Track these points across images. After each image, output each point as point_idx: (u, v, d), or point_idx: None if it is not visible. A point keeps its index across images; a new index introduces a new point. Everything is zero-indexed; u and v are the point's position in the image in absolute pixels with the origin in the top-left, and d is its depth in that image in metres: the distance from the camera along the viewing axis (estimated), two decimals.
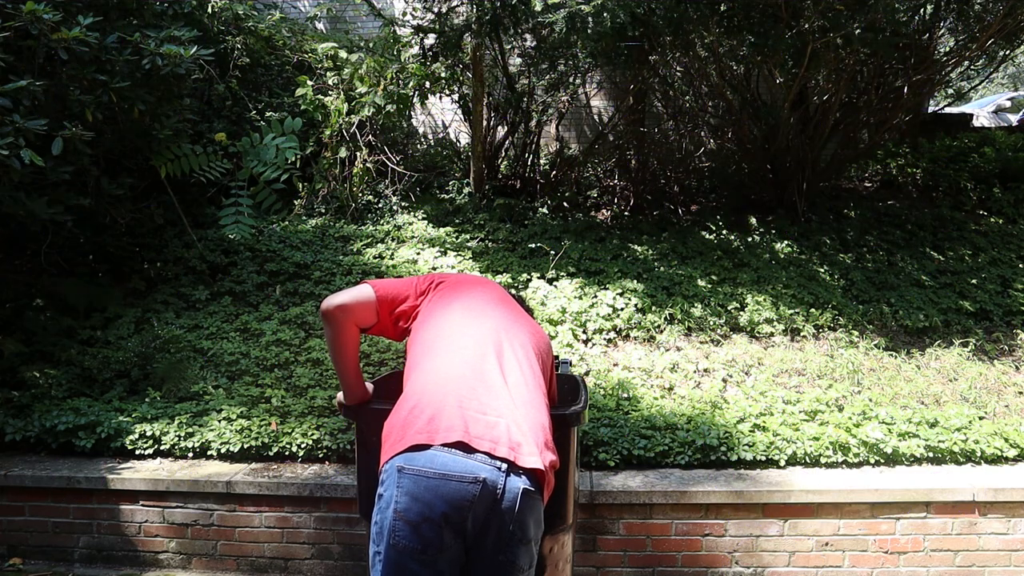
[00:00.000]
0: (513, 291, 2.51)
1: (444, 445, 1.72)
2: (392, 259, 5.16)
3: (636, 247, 5.36)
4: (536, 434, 1.82)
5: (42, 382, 3.93)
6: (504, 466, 1.73)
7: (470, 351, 1.92)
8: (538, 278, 4.90)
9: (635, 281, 4.83)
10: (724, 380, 4.12)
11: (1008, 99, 13.83)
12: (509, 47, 6.02)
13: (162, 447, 3.59)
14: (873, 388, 4.03)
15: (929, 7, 5.43)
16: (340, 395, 2.26)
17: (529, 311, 2.41)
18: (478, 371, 1.87)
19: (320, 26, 7.39)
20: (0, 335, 4.20)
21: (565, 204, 5.97)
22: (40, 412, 3.71)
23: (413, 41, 5.78)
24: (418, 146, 6.84)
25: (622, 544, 3.25)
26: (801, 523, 3.22)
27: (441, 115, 7.00)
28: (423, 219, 5.73)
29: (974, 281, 5.09)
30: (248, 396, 3.88)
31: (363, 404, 2.24)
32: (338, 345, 2.07)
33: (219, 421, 3.64)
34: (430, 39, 5.51)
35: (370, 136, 6.02)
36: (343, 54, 5.90)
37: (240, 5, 6.35)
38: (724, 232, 5.66)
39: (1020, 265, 5.31)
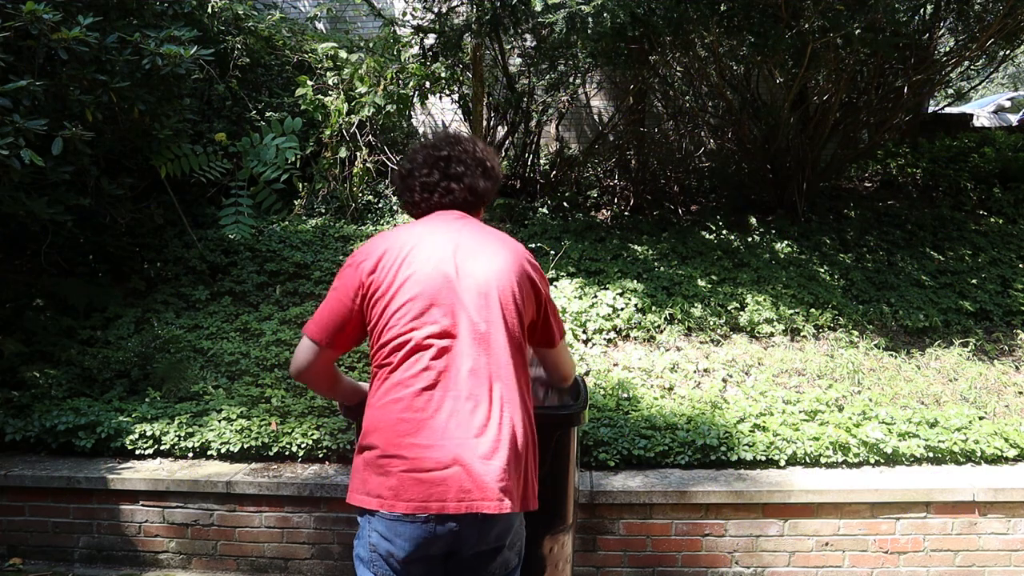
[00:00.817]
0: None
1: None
2: None
3: (636, 247, 5.36)
4: (493, 463, 1.64)
5: (42, 382, 3.93)
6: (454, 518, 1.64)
7: (410, 377, 1.70)
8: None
9: (635, 281, 4.83)
10: (724, 380, 4.12)
11: (1008, 99, 13.84)
12: (509, 47, 6.02)
13: (162, 447, 3.59)
14: (873, 388, 4.03)
15: (929, 7, 5.43)
16: None
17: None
18: (418, 406, 1.67)
19: (320, 26, 7.39)
20: (0, 335, 4.20)
21: (565, 204, 5.97)
22: (40, 412, 3.71)
23: (413, 41, 5.78)
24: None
25: (622, 544, 3.25)
26: (801, 523, 3.21)
27: (441, 115, 7.00)
28: None
29: (974, 281, 5.09)
30: (248, 396, 3.88)
31: (363, 404, 2.23)
32: (322, 393, 2.03)
33: (219, 421, 3.64)
34: (430, 39, 5.51)
35: (370, 136, 6.02)
36: (343, 54, 5.90)
37: (240, 5, 6.35)
38: (724, 232, 5.66)
39: (1020, 265, 5.31)
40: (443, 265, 1.75)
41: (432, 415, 1.67)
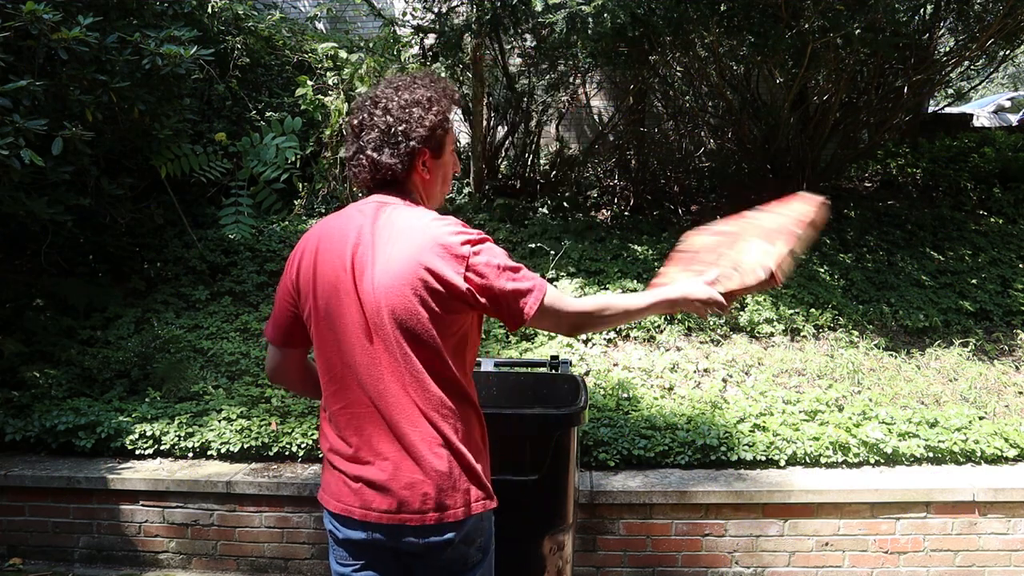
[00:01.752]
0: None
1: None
2: None
3: (636, 247, 5.36)
4: (407, 475, 1.56)
5: (42, 382, 3.93)
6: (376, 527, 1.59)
7: (338, 386, 1.63)
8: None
9: (635, 281, 4.83)
10: (724, 380, 4.12)
11: (1008, 99, 13.85)
12: (509, 47, 6.02)
13: (162, 447, 3.59)
14: (873, 388, 4.03)
15: (929, 7, 5.43)
16: None
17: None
18: (348, 408, 1.61)
19: (320, 26, 7.39)
20: (0, 335, 4.20)
21: (565, 204, 5.97)
22: (40, 412, 3.71)
23: (413, 41, 5.78)
24: None
25: (622, 544, 3.25)
26: (801, 523, 3.21)
27: None
28: None
29: (974, 281, 5.09)
30: (248, 396, 3.88)
31: None
32: (300, 394, 1.97)
33: (219, 421, 3.64)
34: (430, 39, 5.51)
35: None
36: (343, 54, 5.90)
37: (240, 5, 6.35)
38: None
39: (1020, 265, 5.31)
40: (339, 278, 1.58)
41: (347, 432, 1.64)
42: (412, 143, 1.61)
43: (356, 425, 1.60)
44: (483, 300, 1.55)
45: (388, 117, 1.60)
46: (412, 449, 1.56)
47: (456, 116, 6.66)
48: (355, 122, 1.66)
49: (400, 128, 1.60)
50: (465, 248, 1.54)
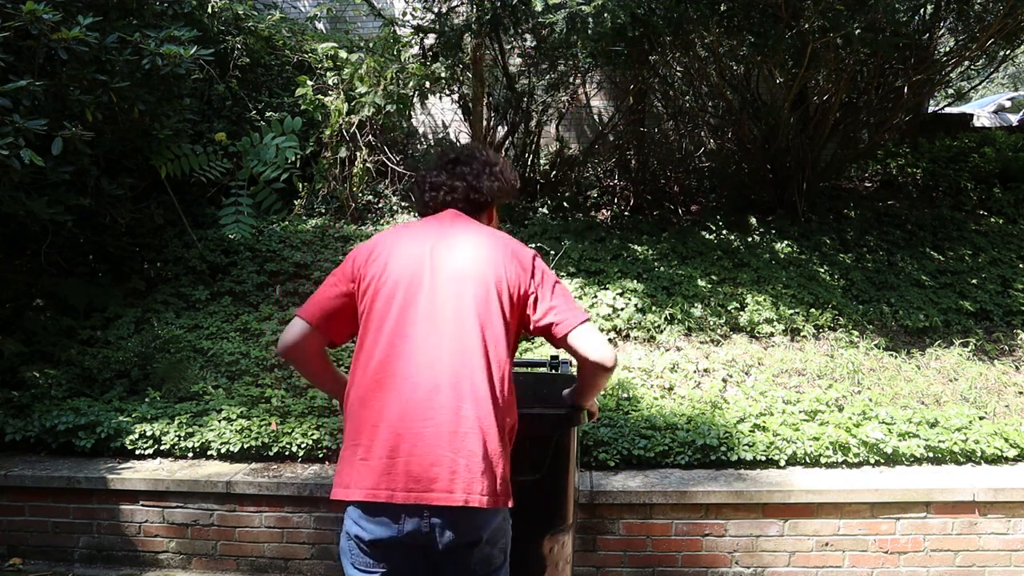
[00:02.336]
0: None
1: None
2: None
3: (636, 247, 5.36)
4: (460, 459, 1.67)
5: (42, 382, 3.93)
6: (420, 512, 1.67)
7: (391, 371, 1.74)
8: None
9: (635, 281, 4.83)
10: (724, 380, 4.12)
11: (1008, 99, 13.83)
12: (509, 47, 6.02)
13: (162, 447, 3.59)
14: (873, 388, 4.03)
15: (929, 7, 5.43)
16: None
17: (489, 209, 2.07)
18: (397, 394, 1.72)
19: (320, 26, 7.39)
20: (0, 335, 4.20)
21: (565, 204, 5.97)
22: (40, 412, 3.71)
23: (413, 41, 5.78)
24: (418, 146, 6.84)
25: (622, 544, 3.25)
26: (801, 523, 3.21)
27: (441, 115, 7.00)
28: None
29: (974, 281, 5.09)
30: (248, 396, 3.88)
31: None
32: (307, 377, 2.03)
33: (219, 421, 3.64)
34: (430, 39, 5.50)
35: (370, 136, 6.02)
36: (343, 54, 5.90)
37: (240, 5, 6.35)
38: (724, 232, 5.66)
39: (1020, 265, 5.31)
40: (418, 260, 1.81)
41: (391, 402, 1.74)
42: (507, 179, 2.04)
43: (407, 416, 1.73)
44: (536, 304, 1.84)
45: (486, 159, 2.03)
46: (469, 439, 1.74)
47: (456, 116, 6.67)
48: (450, 157, 2.04)
49: (499, 168, 2.03)
50: (536, 260, 1.90)
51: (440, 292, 1.77)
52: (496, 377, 1.75)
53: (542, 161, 6.42)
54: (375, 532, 1.69)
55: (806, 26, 4.62)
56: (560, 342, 1.84)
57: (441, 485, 1.66)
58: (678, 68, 5.89)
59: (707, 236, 5.60)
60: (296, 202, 5.84)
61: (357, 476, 1.70)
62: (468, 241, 1.86)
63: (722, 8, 4.75)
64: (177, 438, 3.58)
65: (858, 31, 4.50)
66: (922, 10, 5.41)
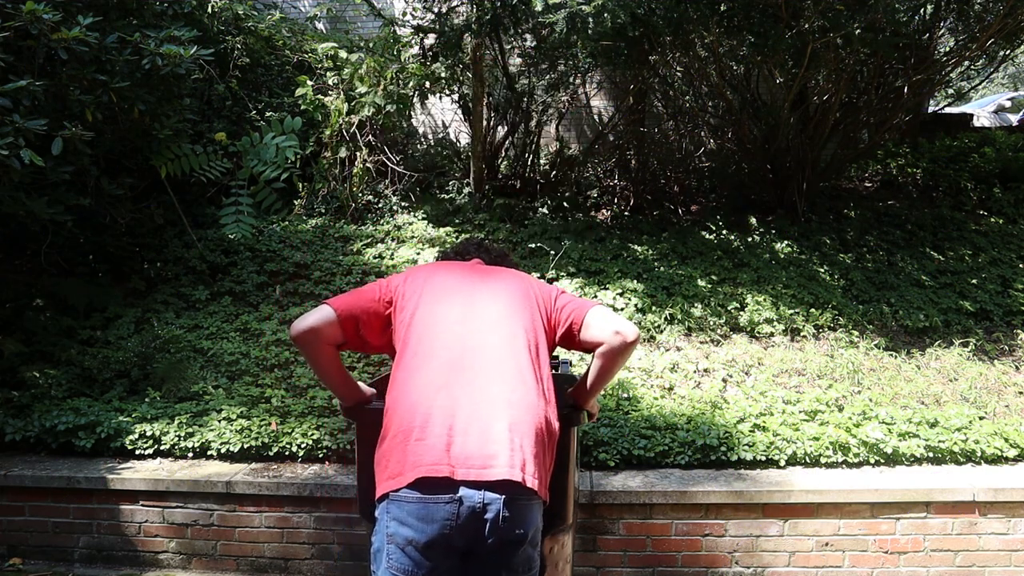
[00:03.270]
0: (488, 244, 2.44)
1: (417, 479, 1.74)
2: (392, 259, 5.16)
3: (636, 247, 5.36)
4: (515, 438, 1.78)
5: (42, 382, 3.93)
6: (478, 488, 1.73)
7: (443, 364, 1.87)
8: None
9: (635, 281, 4.83)
10: (724, 380, 4.12)
11: (1008, 99, 13.83)
12: (509, 47, 6.02)
13: (162, 447, 3.59)
14: (873, 388, 4.03)
15: (929, 7, 5.43)
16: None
17: (511, 264, 2.39)
18: (451, 384, 1.83)
19: (320, 26, 7.39)
20: (0, 335, 4.20)
21: (565, 204, 5.97)
22: (40, 412, 3.71)
23: (413, 41, 5.78)
24: (418, 146, 6.84)
25: (622, 544, 3.25)
26: (801, 523, 3.21)
27: (441, 115, 7.00)
28: (423, 219, 5.73)
29: (974, 281, 5.09)
30: (248, 396, 3.88)
31: (361, 405, 2.23)
32: (314, 366, 2.05)
33: (219, 421, 3.64)
34: (430, 39, 5.50)
35: (370, 136, 6.02)
36: (343, 54, 5.90)
37: (240, 5, 6.35)
38: (724, 232, 5.66)
39: (1020, 265, 5.31)
40: (462, 280, 2.06)
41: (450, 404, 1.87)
42: (505, 255, 2.43)
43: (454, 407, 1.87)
44: (562, 315, 2.06)
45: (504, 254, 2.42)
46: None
47: (456, 116, 6.67)
48: (479, 239, 2.61)
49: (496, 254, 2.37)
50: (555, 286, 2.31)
51: (488, 303, 1.99)
52: (544, 376, 1.94)
53: (542, 161, 6.42)
54: (422, 530, 1.70)
55: (806, 26, 4.62)
56: (579, 330, 2.01)
57: (500, 462, 1.74)
58: (678, 68, 5.89)
59: (707, 236, 5.60)
60: (296, 202, 5.84)
61: (413, 457, 1.73)
62: (502, 273, 2.14)
63: (722, 8, 4.75)
64: (177, 438, 3.58)
65: (858, 31, 4.50)
66: (922, 10, 5.41)
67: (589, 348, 2.03)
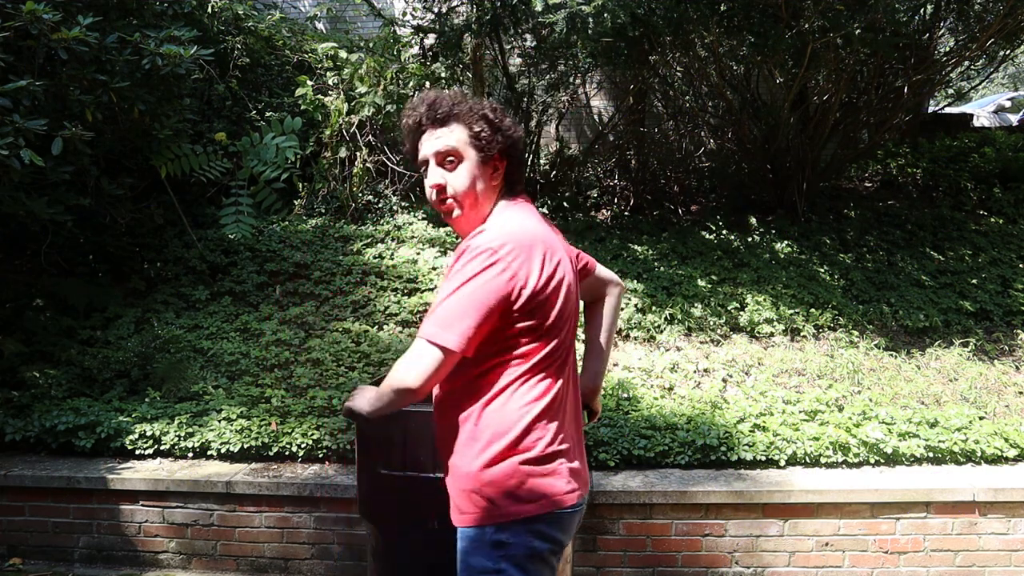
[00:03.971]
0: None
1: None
2: (392, 259, 5.16)
3: (636, 247, 5.36)
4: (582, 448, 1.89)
5: (42, 382, 3.93)
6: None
7: (560, 378, 1.75)
8: None
9: (635, 281, 4.83)
10: (724, 380, 4.12)
11: (1008, 99, 13.84)
12: (509, 47, 6.02)
13: (162, 447, 3.59)
14: (873, 388, 4.03)
15: (929, 7, 5.43)
16: (356, 403, 1.77)
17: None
18: (562, 397, 1.77)
19: (320, 26, 7.39)
20: (0, 335, 4.20)
21: (565, 204, 5.97)
22: (40, 412, 3.71)
23: (413, 41, 5.78)
24: None
25: (622, 544, 3.25)
26: (801, 523, 3.22)
27: None
28: (423, 219, 5.73)
29: (974, 281, 5.09)
30: (248, 396, 3.88)
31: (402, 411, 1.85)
32: (406, 406, 1.74)
33: (219, 421, 3.64)
34: (430, 39, 5.51)
35: (370, 136, 6.02)
36: (343, 54, 5.90)
37: (240, 5, 6.35)
38: (724, 232, 5.66)
39: (1020, 265, 5.31)
40: (572, 279, 1.79)
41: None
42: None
43: (572, 417, 1.81)
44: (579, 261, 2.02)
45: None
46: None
47: None
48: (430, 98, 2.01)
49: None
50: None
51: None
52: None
53: (542, 161, 6.42)
54: (571, 531, 1.76)
55: (806, 26, 4.62)
56: (595, 268, 2.07)
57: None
58: (678, 68, 5.89)
59: (707, 236, 5.60)
60: (296, 202, 5.84)
61: (575, 476, 1.74)
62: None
63: (722, 8, 4.75)
64: (177, 438, 3.58)
65: (858, 31, 4.50)
66: (922, 10, 5.41)
67: (597, 288, 2.10)
